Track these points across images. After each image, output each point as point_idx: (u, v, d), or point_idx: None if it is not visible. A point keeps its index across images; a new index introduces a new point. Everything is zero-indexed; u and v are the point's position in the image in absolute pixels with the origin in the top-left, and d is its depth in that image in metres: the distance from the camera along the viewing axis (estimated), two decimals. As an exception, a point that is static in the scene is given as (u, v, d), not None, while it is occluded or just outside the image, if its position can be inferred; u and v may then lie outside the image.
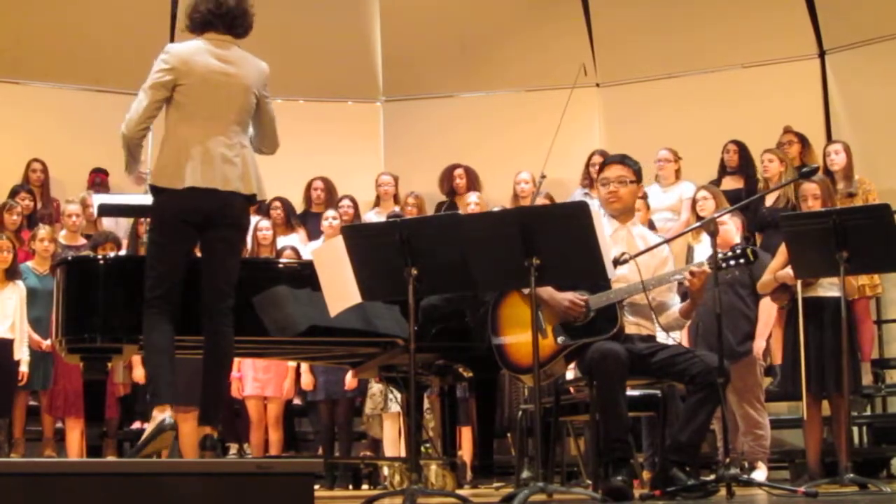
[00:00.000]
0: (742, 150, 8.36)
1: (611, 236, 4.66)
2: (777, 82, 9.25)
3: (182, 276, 4.60)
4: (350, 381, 7.42)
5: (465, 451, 6.99)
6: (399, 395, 6.64)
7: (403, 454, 6.73)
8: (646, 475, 5.95)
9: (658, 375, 4.59)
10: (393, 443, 7.41)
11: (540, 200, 7.40)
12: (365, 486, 7.71)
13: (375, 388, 7.49)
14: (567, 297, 4.50)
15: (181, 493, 3.02)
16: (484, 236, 4.25)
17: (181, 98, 4.56)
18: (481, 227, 4.32)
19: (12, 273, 7.31)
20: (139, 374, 6.99)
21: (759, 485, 4.98)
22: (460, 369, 5.48)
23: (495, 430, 6.13)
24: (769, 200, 7.59)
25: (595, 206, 4.76)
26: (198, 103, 4.55)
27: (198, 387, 4.67)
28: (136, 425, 7.67)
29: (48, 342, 7.21)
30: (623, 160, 4.79)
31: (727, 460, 4.36)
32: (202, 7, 4.63)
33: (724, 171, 8.45)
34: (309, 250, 7.76)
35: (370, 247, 4.39)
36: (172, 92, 4.56)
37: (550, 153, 6.37)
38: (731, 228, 6.27)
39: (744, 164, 8.33)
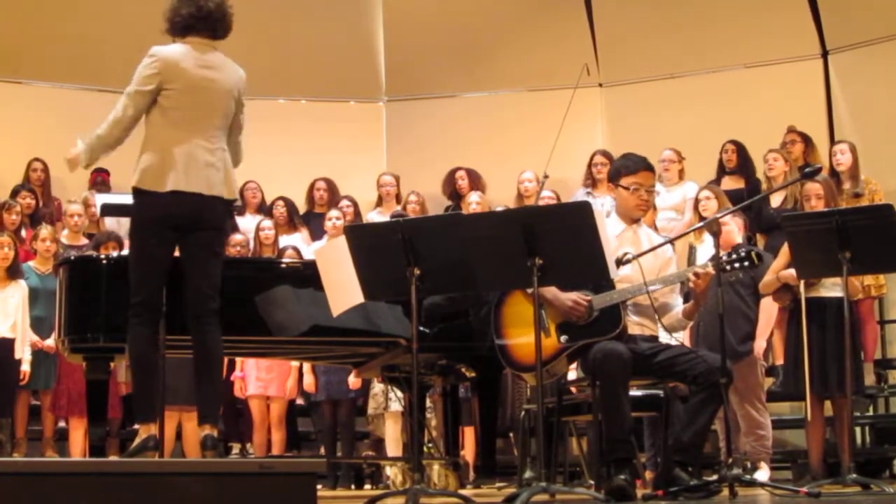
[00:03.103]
0: (740, 149, 8.33)
1: (617, 237, 4.66)
2: (780, 83, 9.23)
3: (165, 278, 4.59)
4: (354, 381, 7.40)
5: (468, 451, 6.99)
6: (401, 395, 6.63)
7: (406, 454, 6.73)
8: (648, 475, 5.94)
9: (661, 376, 4.58)
10: (395, 442, 7.40)
11: (544, 199, 7.40)
12: (367, 486, 7.70)
13: (378, 387, 7.48)
14: (570, 296, 4.49)
15: (183, 493, 3.01)
16: (486, 236, 4.25)
17: (165, 102, 4.54)
18: (484, 227, 4.32)
19: (14, 272, 7.27)
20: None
21: (762, 485, 4.97)
22: (462, 369, 5.47)
23: (498, 429, 6.13)
24: (775, 201, 7.55)
25: (598, 205, 4.74)
26: (182, 108, 4.54)
27: None
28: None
29: (48, 342, 7.21)
30: (651, 167, 4.73)
31: (730, 460, 4.37)
32: (183, 11, 4.62)
33: (722, 171, 8.43)
34: (312, 250, 7.75)
35: (372, 246, 4.39)
36: (157, 95, 4.55)
37: (553, 153, 6.36)
38: (733, 229, 6.25)
39: (743, 163, 8.30)
